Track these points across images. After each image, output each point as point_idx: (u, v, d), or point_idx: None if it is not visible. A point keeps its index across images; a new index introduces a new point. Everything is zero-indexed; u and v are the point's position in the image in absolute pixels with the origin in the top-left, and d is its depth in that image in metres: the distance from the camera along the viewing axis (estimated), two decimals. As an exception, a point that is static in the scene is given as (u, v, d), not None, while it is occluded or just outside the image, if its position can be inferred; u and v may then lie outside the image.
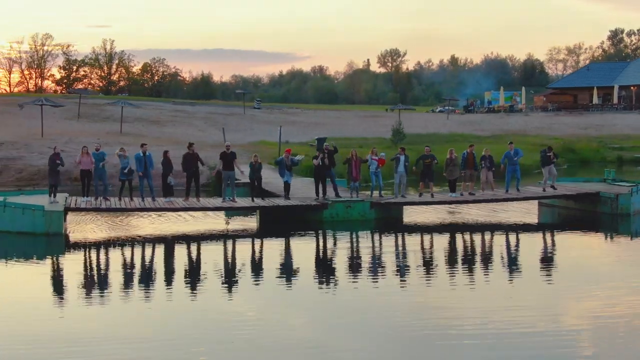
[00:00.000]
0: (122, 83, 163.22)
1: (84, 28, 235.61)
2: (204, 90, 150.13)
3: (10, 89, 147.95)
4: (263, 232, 26.31)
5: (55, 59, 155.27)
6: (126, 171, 26.34)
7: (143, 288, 18.14)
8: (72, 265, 20.92)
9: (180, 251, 22.73)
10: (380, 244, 24.60)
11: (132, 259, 21.63)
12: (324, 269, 20.74)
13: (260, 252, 23.36)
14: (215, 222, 27.95)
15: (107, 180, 26.63)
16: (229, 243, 24.34)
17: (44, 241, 23.27)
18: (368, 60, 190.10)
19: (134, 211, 26.73)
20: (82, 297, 17.14)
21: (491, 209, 30.78)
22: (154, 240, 24.21)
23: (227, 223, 27.93)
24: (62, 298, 17.25)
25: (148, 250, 22.76)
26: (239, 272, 20.18)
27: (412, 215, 29.07)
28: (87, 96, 75.75)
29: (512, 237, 25.80)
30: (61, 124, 58.54)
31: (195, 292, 17.70)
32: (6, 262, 21.14)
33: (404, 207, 28.64)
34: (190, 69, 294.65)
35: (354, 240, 25.11)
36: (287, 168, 27.59)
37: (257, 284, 18.57)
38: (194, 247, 23.26)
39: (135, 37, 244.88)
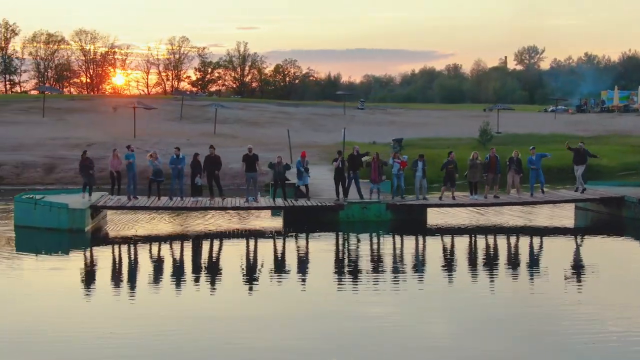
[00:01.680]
0: (254, 84, 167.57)
1: (234, 30, 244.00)
2: (331, 91, 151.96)
3: (148, 91, 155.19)
4: (288, 231, 27.22)
5: (191, 61, 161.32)
6: (158, 170, 28.05)
7: (168, 284, 19.31)
8: (87, 260, 22.71)
9: (221, 248, 24.37)
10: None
11: (159, 254, 23.24)
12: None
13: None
14: (245, 220, 29.21)
15: (136, 180, 28.36)
16: (252, 241, 25.52)
17: (67, 237, 25.18)
18: (505, 57, 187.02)
19: (157, 210, 28.38)
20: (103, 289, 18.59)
21: (528, 212, 30.72)
22: (182, 237, 25.95)
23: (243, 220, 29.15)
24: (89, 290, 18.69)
25: (176, 247, 24.26)
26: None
27: (437, 217, 29.42)
28: (198, 98, 78.91)
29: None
30: (160, 124, 61.76)
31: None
32: (36, 255, 22.97)
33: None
34: (330, 70, 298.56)
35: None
36: (304, 170, 28.64)
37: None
38: (232, 243, 25.02)
39: (280, 38, 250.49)
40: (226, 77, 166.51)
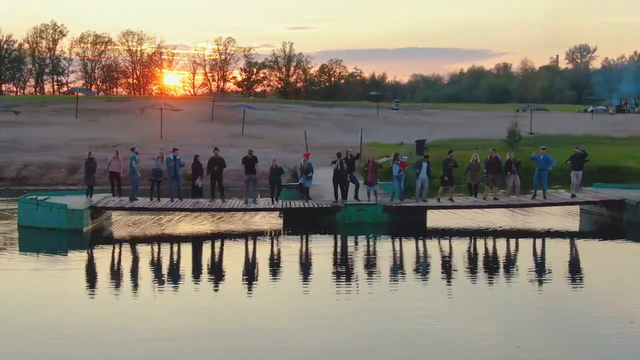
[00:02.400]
0: (299, 84, 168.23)
1: (284, 30, 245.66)
2: (374, 91, 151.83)
3: (194, 91, 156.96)
4: (287, 231, 27.52)
5: (237, 61, 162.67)
6: (158, 170, 28.57)
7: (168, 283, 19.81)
8: (81, 259, 23.53)
9: (207, 249, 24.69)
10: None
11: (157, 255, 23.77)
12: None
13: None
14: (245, 221, 29.54)
15: (138, 181, 28.88)
16: (251, 242, 25.76)
17: (64, 237, 25.80)
18: (557, 56, 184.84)
19: (156, 211, 28.86)
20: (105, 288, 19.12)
21: (529, 215, 30.52)
22: (188, 238, 26.48)
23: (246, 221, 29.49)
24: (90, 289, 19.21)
25: (175, 248, 24.62)
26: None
27: (436, 219, 29.45)
28: (231, 98, 79.58)
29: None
30: (190, 126, 62.55)
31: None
32: (37, 255, 23.71)
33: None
34: (381, 69, 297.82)
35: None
36: (304, 172, 28.87)
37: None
38: (234, 245, 25.25)
39: (332, 38, 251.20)
40: (271, 78, 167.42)
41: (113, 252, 24.15)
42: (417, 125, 72.93)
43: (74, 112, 67.01)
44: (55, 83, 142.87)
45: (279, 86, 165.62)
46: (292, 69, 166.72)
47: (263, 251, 24.24)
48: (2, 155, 46.25)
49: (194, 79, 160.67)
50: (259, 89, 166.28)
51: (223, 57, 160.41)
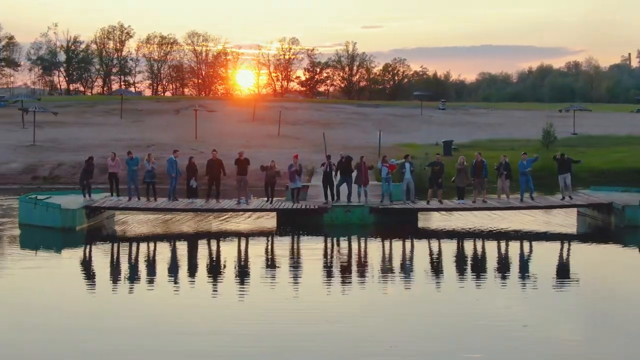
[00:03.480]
0: (362, 84, 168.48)
1: (358, 29, 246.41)
2: (436, 89, 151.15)
3: (258, 91, 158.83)
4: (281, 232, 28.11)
5: (300, 61, 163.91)
6: (152, 172, 29.61)
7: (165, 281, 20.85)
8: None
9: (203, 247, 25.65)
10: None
11: (147, 253, 24.79)
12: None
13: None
14: (239, 221, 30.34)
15: (137, 182, 29.94)
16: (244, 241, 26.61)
17: (56, 235, 27.03)
18: (629, 54, 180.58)
19: (151, 211, 29.90)
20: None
21: (521, 217, 30.56)
22: (184, 237, 27.51)
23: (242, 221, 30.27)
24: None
25: (170, 247, 25.68)
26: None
27: (424, 221, 29.80)
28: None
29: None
30: (230, 126, 63.86)
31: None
32: (35, 252, 25.11)
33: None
34: (452, 68, 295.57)
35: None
36: (296, 173, 29.48)
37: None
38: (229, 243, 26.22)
39: (405, 37, 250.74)
40: (334, 77, 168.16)
41: (87, 251, 25.30)
42: (460, 125, 72.70)
43: (123, 113, 68.95)
44: (122, 83, 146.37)
45: (342, 86, 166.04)
46: (355, 68, 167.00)
47: (243, 251, 25.03)
48: (39, 154, 48.19)
49: (258, 79, 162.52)
50: (322, 88, 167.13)
51: (287, 57, 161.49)
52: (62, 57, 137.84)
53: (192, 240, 26.71)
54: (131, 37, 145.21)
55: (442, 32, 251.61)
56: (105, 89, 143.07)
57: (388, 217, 28.64)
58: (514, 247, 25.32)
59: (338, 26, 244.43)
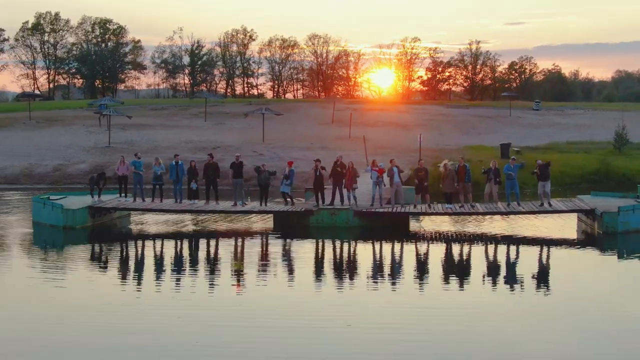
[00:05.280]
0: (488, 82, 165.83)
1: (501, 26, 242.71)
2: (559, 88, 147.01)
3: (379, 92, 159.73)
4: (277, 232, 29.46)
5: (422, 61, 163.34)
6: (159, 175, 31.38)
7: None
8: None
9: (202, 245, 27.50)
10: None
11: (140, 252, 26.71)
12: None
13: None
14: (235, 222, 31.65)
15: (142, 184, 31.77)
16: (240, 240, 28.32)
17: (55, 233, 29.24)
18: None
19: (152, 211, 31.67)
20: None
21: (512, 222, 30.58)
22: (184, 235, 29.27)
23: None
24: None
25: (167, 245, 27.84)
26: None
27: (414, 225, 30.20)
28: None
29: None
30: (308, 128, 65.32)
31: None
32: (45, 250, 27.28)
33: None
34: (596, 64, 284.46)
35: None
36: (285, 177, 30.50)
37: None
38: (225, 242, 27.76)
39: (550, 33, 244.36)
40: (457, 76, 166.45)
41: (92, 248, 27.29)
42: (546, 126, 71.12)
43: (209, 116, 71.69)
44: (245, 85, 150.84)
45: (465, 85, 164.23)
46: (478, 67, 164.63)
47: (226, 251, 26.68)
48: (109, 156, 51.10)
49: (379, 80, 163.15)
50: (444, 87, 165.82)
51: (408, 56, 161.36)
52: (186, 60, 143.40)
53: (179, 239, 28.49)
54: (254, 40, 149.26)
55: (587, 29, 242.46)
56: (228, 91, 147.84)
57: (373, 221, 29.17)
58: (490, 251, 26.10)
59: (482, 23, 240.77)
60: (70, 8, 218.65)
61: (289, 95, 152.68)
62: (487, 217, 30.56)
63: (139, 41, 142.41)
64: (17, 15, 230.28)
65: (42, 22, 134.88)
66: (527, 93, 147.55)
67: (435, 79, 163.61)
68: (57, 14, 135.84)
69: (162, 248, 26.93)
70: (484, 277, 22.23)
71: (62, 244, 28.08)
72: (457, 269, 23.50)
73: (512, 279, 22.03)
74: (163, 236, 29.14)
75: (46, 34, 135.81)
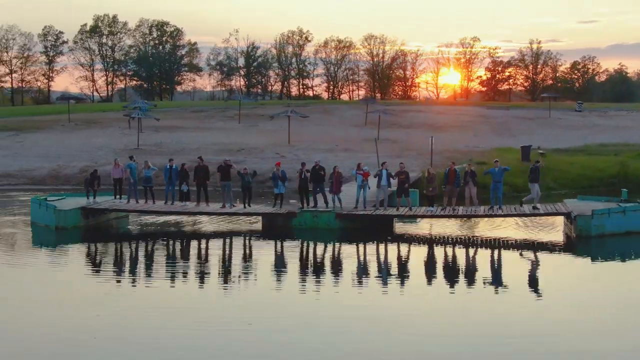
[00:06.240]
0: (549, 82, 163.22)
1: (574, 24, 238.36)
2: (619, 88, 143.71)
3: (436, 92, 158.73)
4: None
5: (482, 61, 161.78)
6: (149, 178, 32.13)
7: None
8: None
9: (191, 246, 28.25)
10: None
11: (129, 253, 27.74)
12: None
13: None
14: (225, 224, 32.13)
15: (135, 185, 32.52)
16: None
17: (47, 232, 30.32)
18: None
19: (143, 212, 32.42)
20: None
21: (493, 225, 30.70)
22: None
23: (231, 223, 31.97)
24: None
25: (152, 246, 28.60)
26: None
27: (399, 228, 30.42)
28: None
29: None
30: (338, 130, 65.59)
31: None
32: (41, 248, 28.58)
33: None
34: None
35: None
36: (279, 179, 30.82)
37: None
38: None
39: (626, 31, 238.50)
40: (517, 76, 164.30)
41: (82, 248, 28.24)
42: (583, 128, 69.85)
43: (243, 118, 72.52)
44: (301, 86, 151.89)
45: (526, 85, 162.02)
46: (539, 67, 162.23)
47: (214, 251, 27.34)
48: (138, 157, 52.17)
49: (437, 80, 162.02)
50: (504, 87, 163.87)
51: (468, 56, 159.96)
52: (241, 62, 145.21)
53: (166, 239, 29.45)
54: (309, 41, 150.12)
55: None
56: (283, 92, 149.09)
57: (354, 223, 29.38)
58: (460, 254, 26.30)
59: (553, 21, 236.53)
60: (128, 11, 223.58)
61: (344, 97, 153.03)
62: (474, 219, 30.82)
63: (195, 43, 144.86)
64: (75, 18, 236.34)
65: (100, 24, 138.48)
66: (588, 93, 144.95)
67: (495, 79, 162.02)
68: (114, 17, 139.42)
69: (151, 248, 27.80)
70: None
71: (55, 243, 29.07)
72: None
73: (469, 280, 22.31)
74: (154, 236, 30.02)
75: (104, 37, 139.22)
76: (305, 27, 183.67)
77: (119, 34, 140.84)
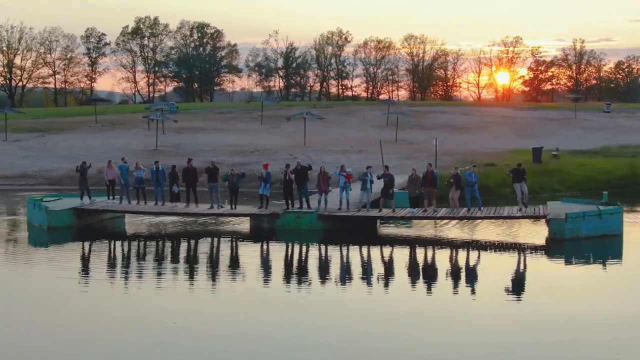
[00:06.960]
0: (593, 82, 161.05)
1: (626, 23, 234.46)
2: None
3: (478, 93, 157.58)
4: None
5: (524, 60, 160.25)
6: (141, 179, 32.94)
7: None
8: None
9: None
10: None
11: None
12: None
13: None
14: (214, 225, 32.76)
15: (128, 186, 33.33)
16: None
17: (39, 232, 31.32)
18: None
19: (133, 213, 33.16)
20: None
21: (471, 227, 30.98)
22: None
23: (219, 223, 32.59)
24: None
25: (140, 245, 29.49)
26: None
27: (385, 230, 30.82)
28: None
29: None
30: (360, 131, 65.88)
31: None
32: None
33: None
34: None
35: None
36: (263, 181, 31.34)
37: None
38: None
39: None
40: (560, 76, 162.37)
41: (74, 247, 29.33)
42: (608, 129, 69.08)
43: (267, 120, 73.18)
44: (340, 87, 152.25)
45: (569, 85, 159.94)
46: (583, 66, 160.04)
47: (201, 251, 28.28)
48: (152, 158, 53.10)
49: (478, 80, 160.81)
50: (547, 87, 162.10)
51: (510, 56, 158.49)
52: (279, 62, 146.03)
53: (155, 240, 30.26)
54: (349, 41, 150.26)
55: None
56: (323, 92, 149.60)
57: (336, 224, 29.79)
58: (441, 256, 26.47)
59: (606, 19, 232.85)
60: (169, 12, 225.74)
61: (384, 97, 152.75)
62: (453, 221, 31.12)
63: (235, 45, 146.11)
64: (117, 20, 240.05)
65: (141, 26, 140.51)
66: (631, 93, 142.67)
67: (538, 79, 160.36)
68: (156, 19, 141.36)
69: (142, 248, 28.75)
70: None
71: (47, 243, 30.13)
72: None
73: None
74: (146, 237, 30.99)
75: (145, 38, 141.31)
76: (344, 28, 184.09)
77: (160, 35, 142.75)
